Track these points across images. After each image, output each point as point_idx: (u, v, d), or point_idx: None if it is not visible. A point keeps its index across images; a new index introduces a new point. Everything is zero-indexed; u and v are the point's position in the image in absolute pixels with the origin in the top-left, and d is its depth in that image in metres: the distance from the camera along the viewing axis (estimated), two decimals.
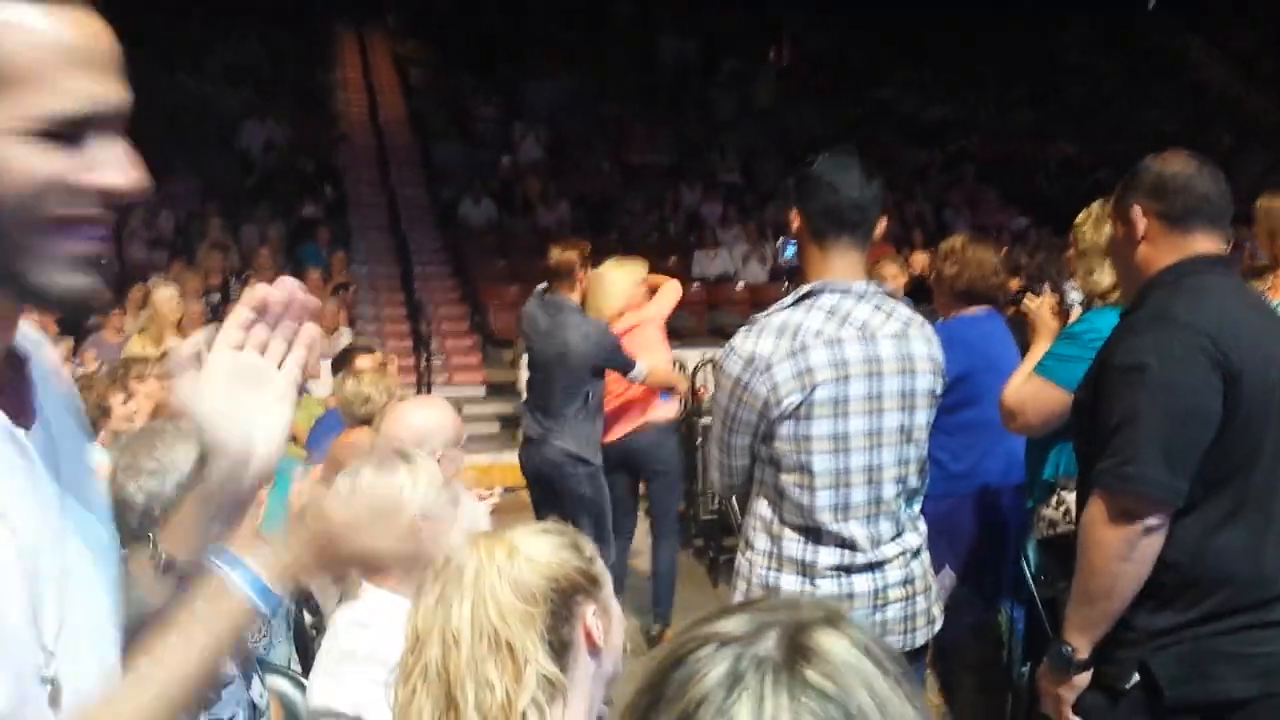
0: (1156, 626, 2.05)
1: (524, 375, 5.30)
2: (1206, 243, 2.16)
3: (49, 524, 0.92)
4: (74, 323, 8.34)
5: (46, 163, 0.87)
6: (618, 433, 5.11)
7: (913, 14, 18.72)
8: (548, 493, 4.90)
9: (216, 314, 8.84)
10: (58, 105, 0.87)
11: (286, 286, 1.08)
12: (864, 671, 0.70)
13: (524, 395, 5.16)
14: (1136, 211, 2.18)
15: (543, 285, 5.08)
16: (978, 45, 19.05)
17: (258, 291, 1.07)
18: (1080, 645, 2.09)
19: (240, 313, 1.06)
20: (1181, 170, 2.17)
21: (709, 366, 7.64)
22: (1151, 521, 2.00)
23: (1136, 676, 2.06)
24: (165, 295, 6.45)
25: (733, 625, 0.72)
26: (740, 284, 12.59)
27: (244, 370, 1.05)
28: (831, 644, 0.70)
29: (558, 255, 4.94)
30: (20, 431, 0.92)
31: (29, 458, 0.91)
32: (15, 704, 0.85)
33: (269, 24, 16.67)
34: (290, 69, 16.22)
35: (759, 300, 12.16)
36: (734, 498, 5.77)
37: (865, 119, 17.25)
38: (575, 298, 4.90)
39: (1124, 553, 2.01)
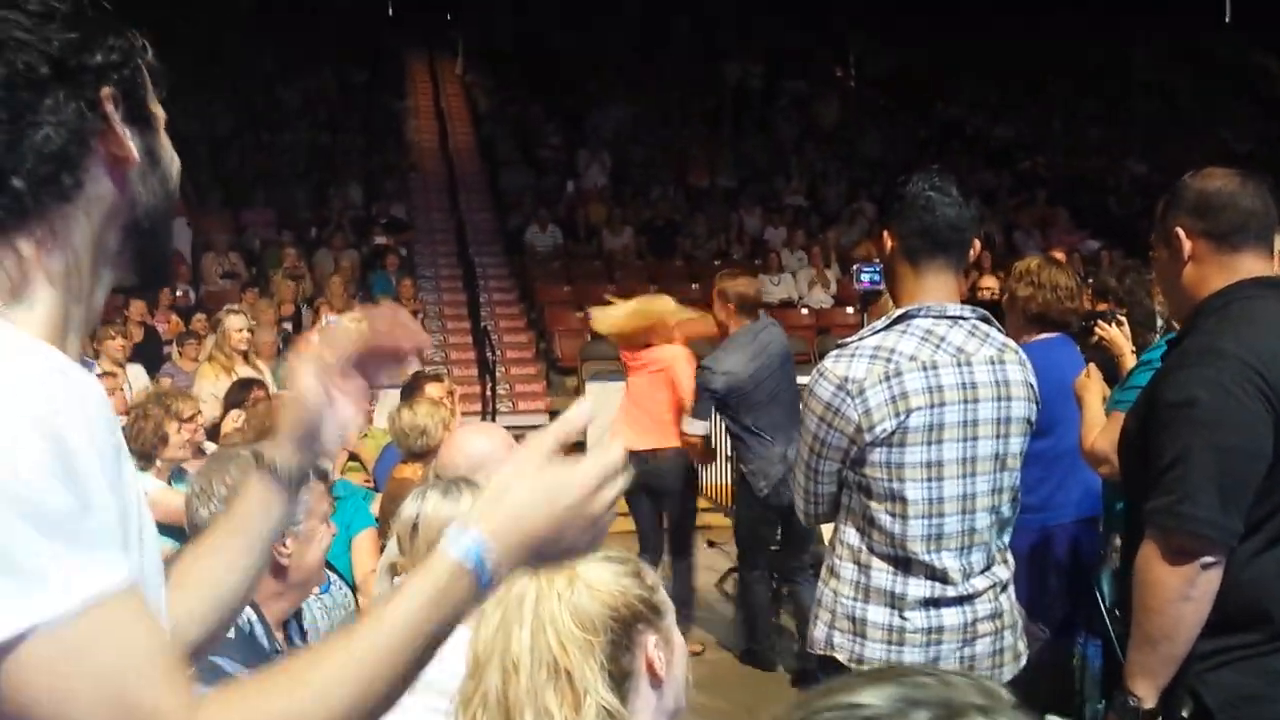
0: (1200, 650, 1.97)
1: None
2: (1255, 261, 2.07)
3: (138, 511, 0.95)
4: (149, 352, 8.59)
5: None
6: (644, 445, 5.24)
7: (979, 31, 18.56)
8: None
9: (288, 343, 9.03)
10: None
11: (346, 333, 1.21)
12: None
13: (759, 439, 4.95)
14: (1179, 232, 2.09)
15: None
16: (1046, 62, 18.81)
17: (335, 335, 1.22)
18: (1145, 694, 2.00)
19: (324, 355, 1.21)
20: (1224, 186, 2.08)
21: None
22: (1208, 559, 1.93)
23: (1191, 704, 1.98)
24: (235, 325, 6.56)
25: (876, 699, 0.64)
26: (804, 309, 12.51)
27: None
28: None
29: (745, 288, 5.00)
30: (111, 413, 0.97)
31: (120, 450, 0.95)
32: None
33: (342, 55, 17.08)
34: (362, 99, 16.57)
35: (824, 325, 12.10)
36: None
37: (932, 139, 17.12)
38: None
39: (1184, 592, 1.93)
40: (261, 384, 5.46)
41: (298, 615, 2.24)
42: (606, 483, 1.00)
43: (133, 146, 0.96)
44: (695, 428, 5.01)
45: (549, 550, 1.01)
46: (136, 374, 7.24)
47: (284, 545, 2.08)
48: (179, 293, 11.34)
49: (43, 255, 0.91)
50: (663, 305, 5.52)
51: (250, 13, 16.92)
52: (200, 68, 15.61)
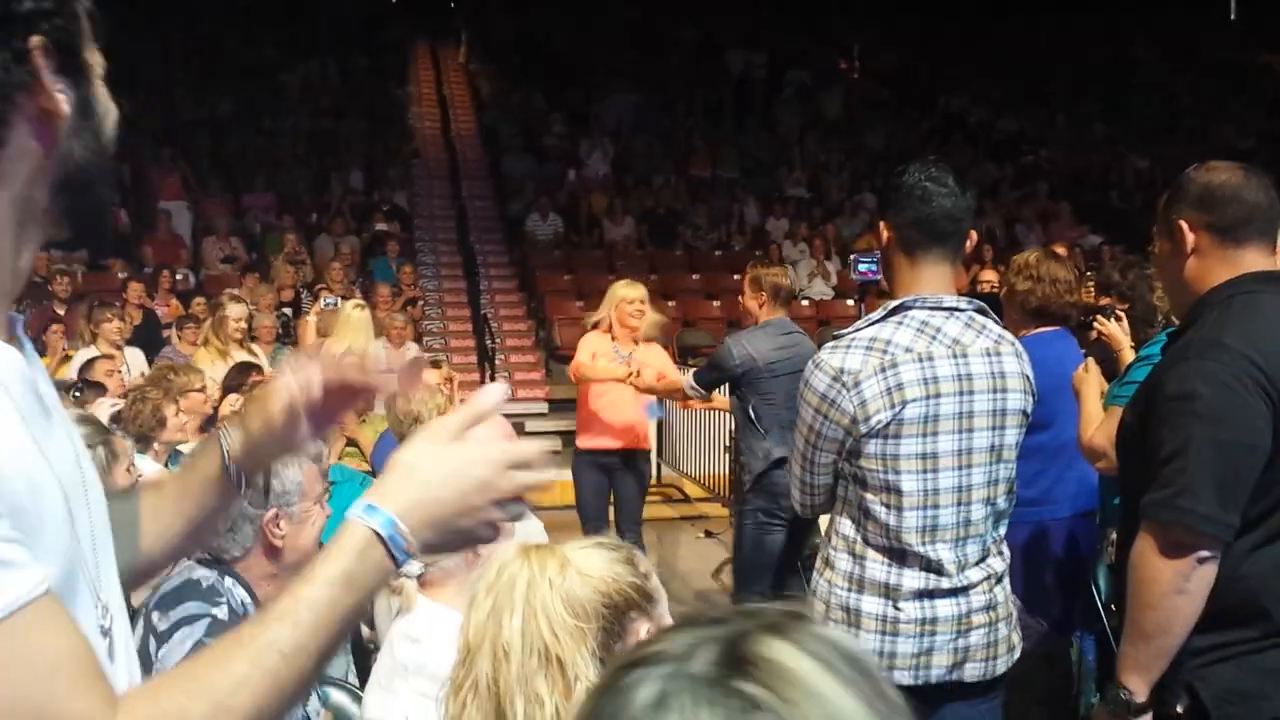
0: (1196, 646, 1.97)
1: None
2: (1258, 256, 2.06)
3: (81, 480, 0.93)
4: (147, 335, 8.57)
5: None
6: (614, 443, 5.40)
7: (983, 25, 18.51)
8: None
9: (287, 329, 9.02)
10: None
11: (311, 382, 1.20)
12: (816, 683, 0.61)
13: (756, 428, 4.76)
14: (1183, 225, 2.08)
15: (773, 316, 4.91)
16: (1049, 57, 18.77)
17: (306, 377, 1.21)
18: (1137, 687, 2.00)
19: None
20: (1229, 179, 2.06)
21: None
22: (1204, 553, 1.92)
23: (1186, 699, 1.98)
24: (235, 313, 6.55)
25: (669, 644, 0.65)
26: (805, 301, 12.50)
27: None
28: (777, 652, 0.62)
29: (778, 278, 4.86)
30: (47, 389, 0.94)
31: (51, 413, 0.92)
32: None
33: (344, 41, 17.04)
34: (364, 86, 16.53)
35: (825, 316, 12.09)
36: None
37: (935, 132, 17.07)
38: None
39: (1179, 585, 1.93)
40: (259, 368, 5.45)
41: None
42: (520, 462, 1.00)
43: (62, 100, 0.88)
44: (694, 394, 5.02)
45: (458, 525, 1.00)
46: (135, 357, 7.22)
47: (278, 526, 2.09)
48: (179, 276, 11.32)
49: None
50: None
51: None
52: (202, 52, 15.58)
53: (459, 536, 1.02)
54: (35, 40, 0.85)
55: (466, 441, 1.00)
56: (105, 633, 0.92)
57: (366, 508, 0.96)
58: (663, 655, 0.64)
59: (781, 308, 4.84)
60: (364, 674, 2.60)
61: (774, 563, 4.79)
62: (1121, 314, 3.64)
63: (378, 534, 0.95)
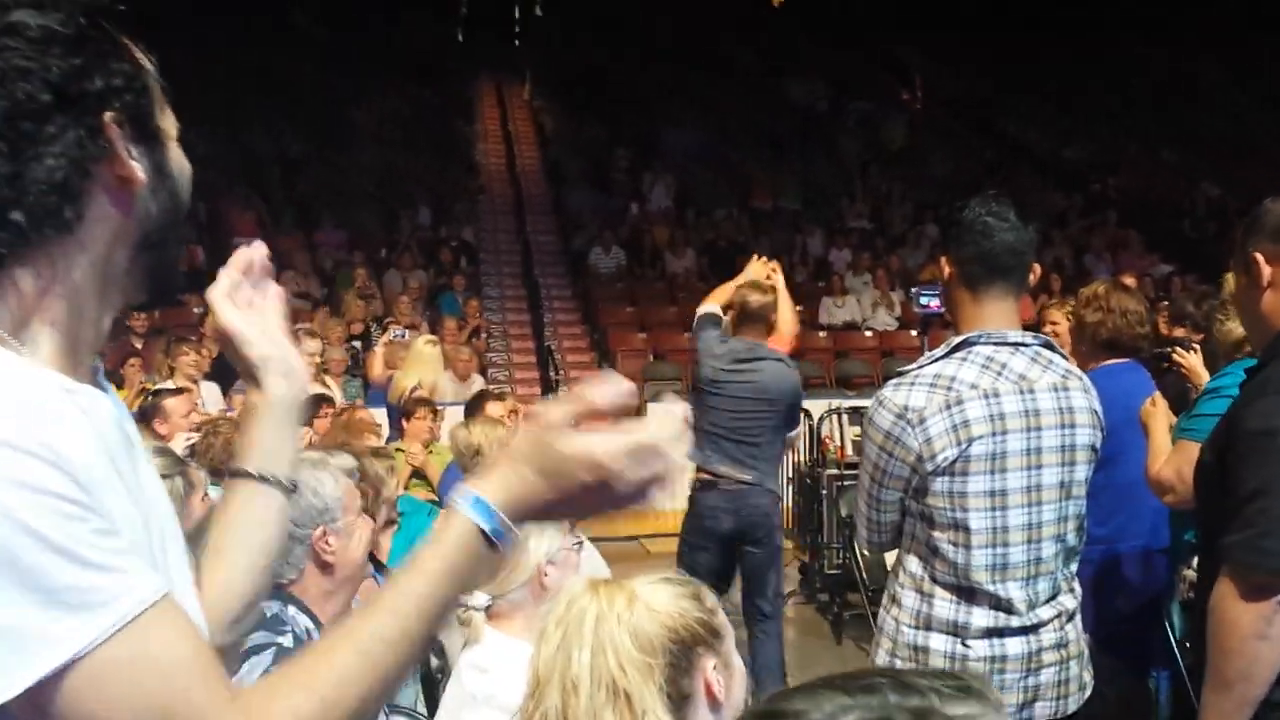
0: (1276, 698, 1.91)
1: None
2: None
3: (159, 517, 0.98)
4: (223, 369, 8.78)
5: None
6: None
7: (1048, 51, 18.31)
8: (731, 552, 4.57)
9: (356, 361, 9.18)
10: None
11: (261, 250, 1.24)
12: None
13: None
14: (1259, 258, 2.04)
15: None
16: (1116, 81, 18.50)
17: (241, 255, 1.24)
18: None
19: (231, 274, 1.22)
20: None
21: (834, 416, 7.55)
22: None
23: None
24: (309, 349, 6.70)
25: (812, 707, 0.64)
26: (868, 332, 12.41)
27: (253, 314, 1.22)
28: None
29: (760, 299, 4.66)
30: (130, 427, 0.99)
31: (135, 449, 0.98)
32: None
33: (412, 79, 17.42)
34: (431, 123, 16.87)
35: (887, 348, 11.99)
36: (859, 552, 5.66)
37: (1000, 161, 16.90)
38: (768, 344, 4.67)
39: (1261, 630, 1.87)
40: (331, 400, 5.56)
41: None
42: (636, 462, 0.95)
43: (138, 168, 0.94)
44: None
45: (568, 513, 1.02)
46: (210, 391, 7.40)
47: (327, 543, 2.12)
48: None
49: (43, 294, 0.91)
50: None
51: (322, 38, 17.33)
52: (275, 90, 16.02)
53: (580, 512, 1.02)
54: (109, 115, 0.92)
55: (575, 435, 0.95)
56: None
57: (470, 498, 0.97)
58: (804, 717, 0.63)
59: (753, 329, 4.60)
60: (432, 704, 2.64)
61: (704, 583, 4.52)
62: (1197, 346, 3.58)
63: (479, 526, 0.96)
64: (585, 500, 0.97)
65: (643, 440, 0.95)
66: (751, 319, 4.64)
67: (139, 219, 0.96)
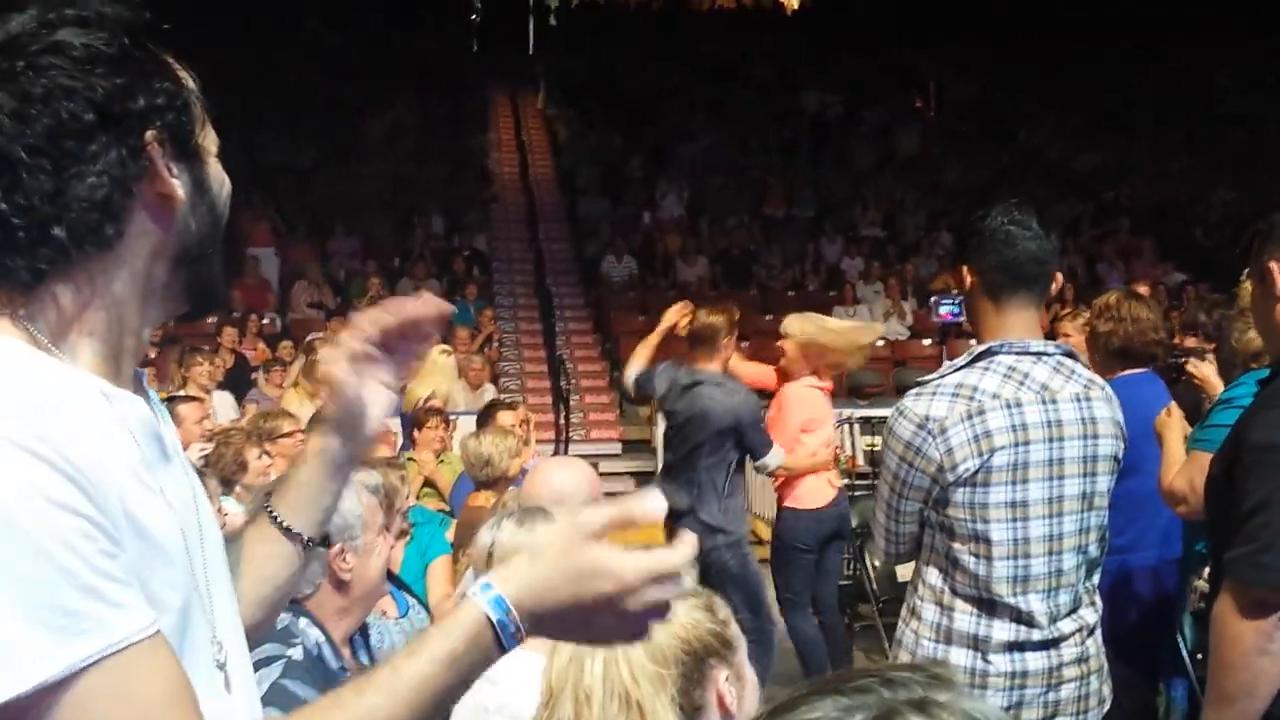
0: (1277, 713, 1.89)
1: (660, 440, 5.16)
2: None
3: (197, 522, 0.99)
4: (237, 378, 8.83)
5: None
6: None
7: (1060, 57, 18.28)
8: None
9: None
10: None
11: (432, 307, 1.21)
12: None
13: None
14: (1273, 267, 2.03)
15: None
16: (1128, 88, 18.45)
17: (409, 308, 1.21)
18: None
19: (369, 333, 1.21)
20: None
21: (846, 426, 7.53)
22: None
23: None
24: (326, 357, 6.70)
25: (812, 710, 0.65)
26: (881, 341, 12.39)
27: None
28: None
29: (702, 319, 4.72)
30: (168, 433, 1.00)
31: (171, 456, 0.99)
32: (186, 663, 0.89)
33: (425, 89, 17.50)
34: (445, 133, 16.94)
35: (900, 358, 11.96)
36: (870, 563, 5.65)
37: (1012, 168, 16.87)
38: (715, 367, 4.70)
39: (1261, 646, 1.86)
40: None
41: (364, 633, 2.27)
42: (654, 583, 0.96)
43: (178, 186, 0.96)
44: (767, 462, 4.77)
45: (571, 631, 1.01)
46: (223, 400, 7.44)
47: (344, 561, 2.11)
48: (265, 320, 11.65)
49: (83, 308, 0.92)
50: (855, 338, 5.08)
51: (335, 47, 17.43)
52: (288, 100, 16.12)
53: (576, 638, 1.03)
54: (150, 135, 0.93)
55: (598, 549, 0.96)
56: (220, 667, 0.97)
57: (484, 587, 0.97)
58: None
59: (705, 353, 4.63)
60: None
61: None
62: (1210, 356, 3.57)
63: (489, 617, 0.96)
64: (595, 613, 0.97)
65: (665, 564, 0.96)
66: (695, 340, 4.75)
67: (179, 234, 0.97)
